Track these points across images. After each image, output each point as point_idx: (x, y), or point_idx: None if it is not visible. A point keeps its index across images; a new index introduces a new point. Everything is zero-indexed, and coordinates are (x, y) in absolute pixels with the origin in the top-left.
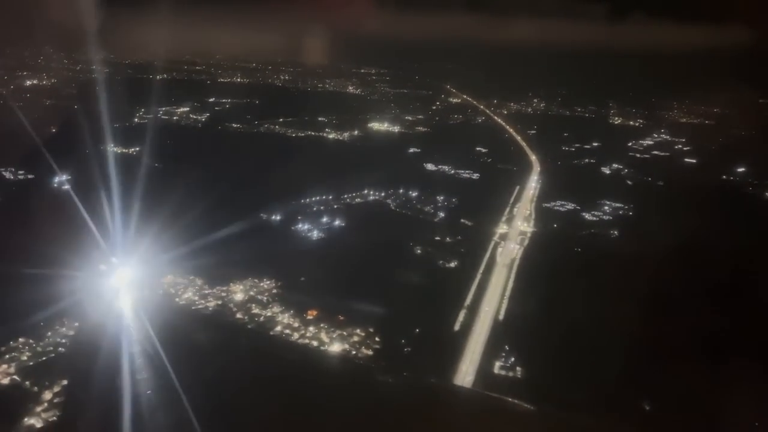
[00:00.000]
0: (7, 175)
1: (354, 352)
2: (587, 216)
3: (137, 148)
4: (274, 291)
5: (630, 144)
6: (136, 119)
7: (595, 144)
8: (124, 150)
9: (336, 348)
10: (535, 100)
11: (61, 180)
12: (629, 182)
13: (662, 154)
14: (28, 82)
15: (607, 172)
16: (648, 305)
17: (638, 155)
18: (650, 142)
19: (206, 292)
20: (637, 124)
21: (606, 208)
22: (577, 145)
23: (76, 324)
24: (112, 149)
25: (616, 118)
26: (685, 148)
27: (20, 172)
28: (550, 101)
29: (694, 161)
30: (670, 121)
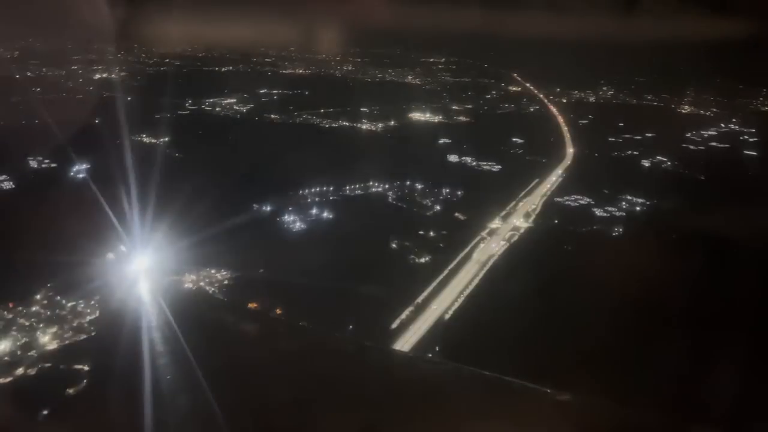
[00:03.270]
0: (34, 164)
1: None
2: (598, 212)
3: (167, 138)
4: (225, 282)
5: (688, 135)
6: (180, 111)
7: (648, 134)
8: (153, 140)
9: None
10: (605, 89)
11: (82, 169)
12: (665, 176)
13: (720, 145)
14: (97, 76)
15: (646, 165)
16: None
17: (692, 147)
18: (712, 133)
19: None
20: (707, 114)
21: (623, 203)
22: (627, 135)
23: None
24: (145, 139)
25: (687, 107)
26: (751, 140)
27: (47, 161)
28: (621, 90)
29: (755, 154)
30: (748, 111)
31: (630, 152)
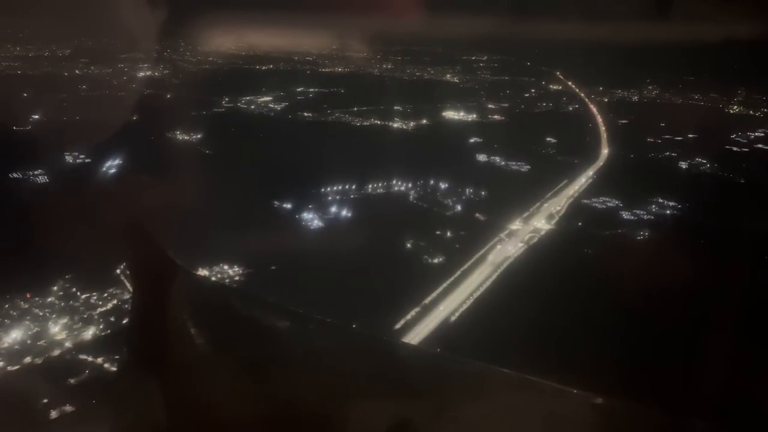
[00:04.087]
0: (70, 159)
1: None
2: (625, 215)
3: (199, 135)
4: (236, 278)
5: (733, 136)
6: (216, 108)
7: (689, 135)
8: (186, 137)
9: None
10: (650, 87)
11: (114, 164)
12: (702, 179)
13: (766, 147)
14: (141, 74)
15: (684, 166)
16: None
17: (735, 148)
18: (759, 134)
19: None
20: (757, 114)
21: (653, 207)
22: (667, 136)
23: None
24: (178, 136)
25: (736, 107)
26: None
27: (82, 156)
28: (667, 89)
29: None
30: None
31: (668, 153)
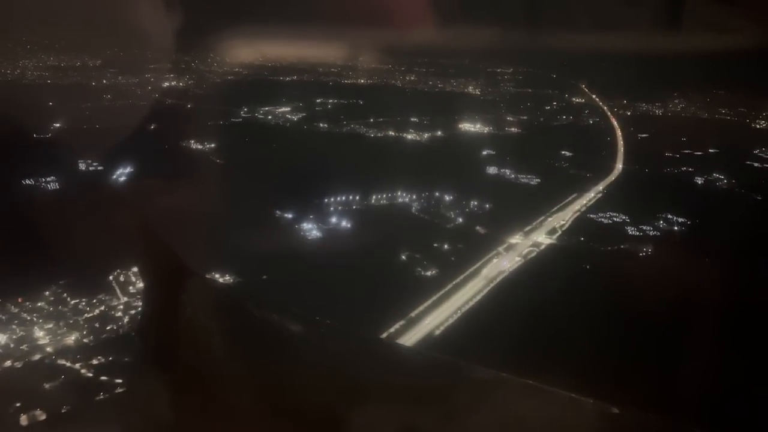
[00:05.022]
0: (83, 166)
1: None
2: (630, 230)
3: (213, 145)
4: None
5: (756, 151)
6: (233, 118)
7: (710, 150)
8: (200, 146)
9: None
10: (676, 101)
11: (125, 172)
12: (716, 195)
13: None
14: (166, 84)
15: (699, 182)
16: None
17: (756, 164)
18: None
19: None
20: None
21: (660, 222)
22: (686, 151)
23: None
24: (192, 145)
25: (763, 122)
26: None
27: (95, 164)
28: (694, 103)
29: None
30: None
31: (684, 168)
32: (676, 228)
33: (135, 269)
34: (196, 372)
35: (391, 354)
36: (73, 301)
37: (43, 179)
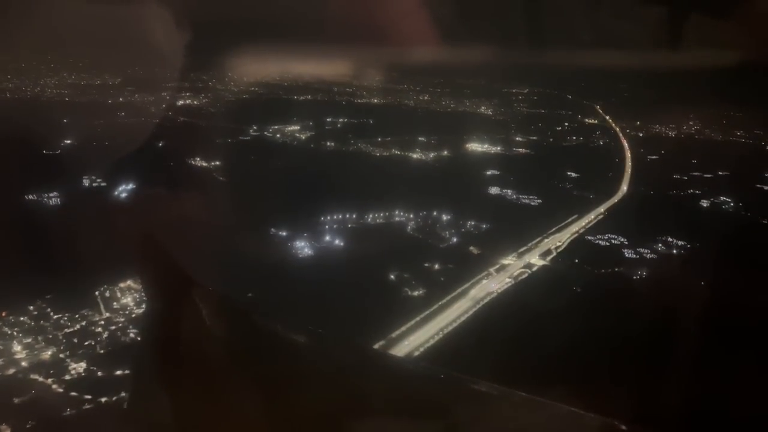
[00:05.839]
0: (87, 182)
1: None
2: (627, 253)
3: (217, 163)
4: None
5: (767, 174)
6: (242, 137)
7: (720, 173)
8: (205, 164)
9: None
10: (691, 123)
11: (127, 189)
12: (720, 218)
13: None
14: (180, 102)
15: (705, 205)
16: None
17: (766, 188)
18: None
19: None
20: None
21: (659, 246)
22: (695, 173)
23: None
24: (197, 163)
25: None
26: None
27: (99, 180)
28: (709, 124)
29: None
30: None
31: (691, 191)
32: (674, 251)
33: (122, 284)
34: (202, 379)
35: (394, 366)
36: (55, 316)
37: (45, 194)
